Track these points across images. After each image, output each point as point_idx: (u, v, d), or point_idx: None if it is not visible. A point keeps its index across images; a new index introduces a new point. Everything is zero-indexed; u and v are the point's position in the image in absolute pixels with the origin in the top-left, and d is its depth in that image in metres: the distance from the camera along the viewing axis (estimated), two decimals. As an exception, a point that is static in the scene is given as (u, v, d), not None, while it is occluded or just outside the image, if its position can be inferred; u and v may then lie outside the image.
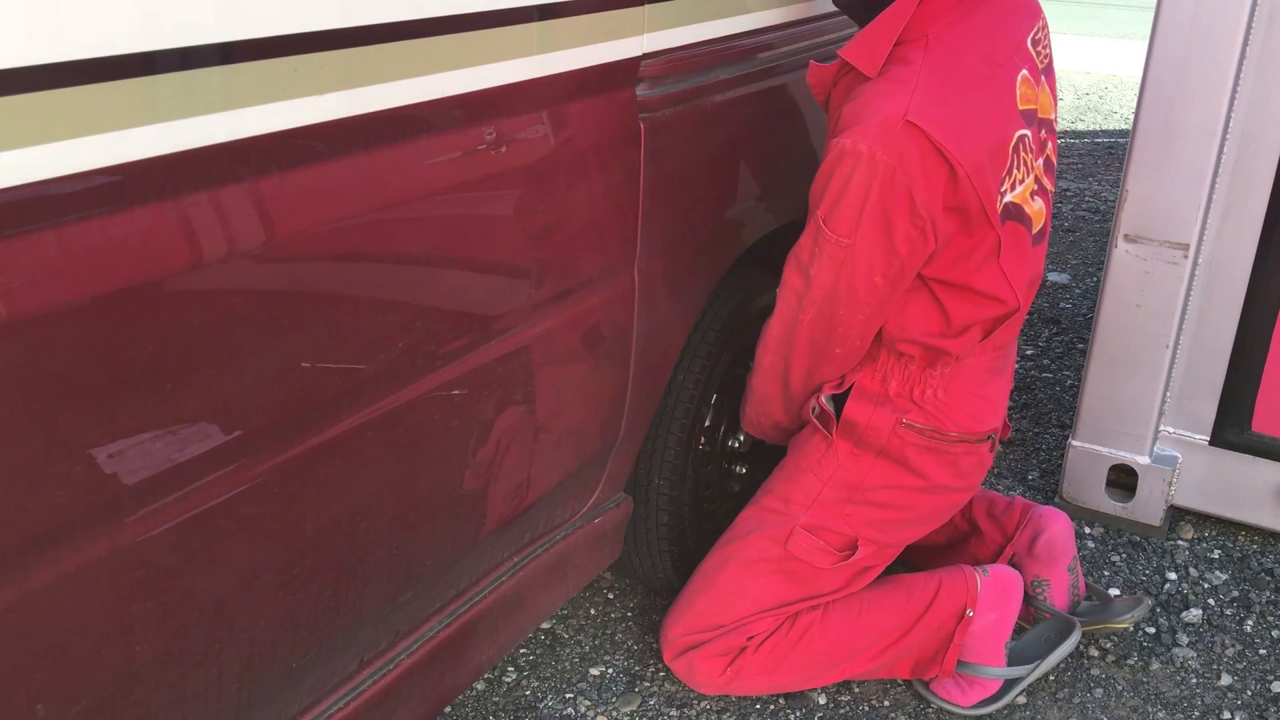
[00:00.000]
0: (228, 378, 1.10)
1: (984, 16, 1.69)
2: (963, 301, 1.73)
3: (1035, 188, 1.77)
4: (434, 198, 1.29)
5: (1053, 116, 1.82)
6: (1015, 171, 1.69)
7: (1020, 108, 1.70)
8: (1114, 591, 2.28)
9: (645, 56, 1.57)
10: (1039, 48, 1.78)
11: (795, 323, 1.74)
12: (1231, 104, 2.11)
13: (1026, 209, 1.74)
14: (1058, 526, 2.11)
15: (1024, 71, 1.71)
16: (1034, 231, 1.79)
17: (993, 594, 1.94)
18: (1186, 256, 2.22)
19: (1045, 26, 1.84)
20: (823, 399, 1.85)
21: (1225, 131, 2.14)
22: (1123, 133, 5.83)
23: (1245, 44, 2.07)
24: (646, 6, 1.54)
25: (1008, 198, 1.68)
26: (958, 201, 1.61)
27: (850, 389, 1.84)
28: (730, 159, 1.87)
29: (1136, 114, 2.19)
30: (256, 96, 1.04)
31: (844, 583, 1.90)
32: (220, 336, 1.08)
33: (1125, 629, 2.16)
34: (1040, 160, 1.78)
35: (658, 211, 1.67)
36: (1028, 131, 1.71)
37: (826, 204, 1.62)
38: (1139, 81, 2.20)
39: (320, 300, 1.18)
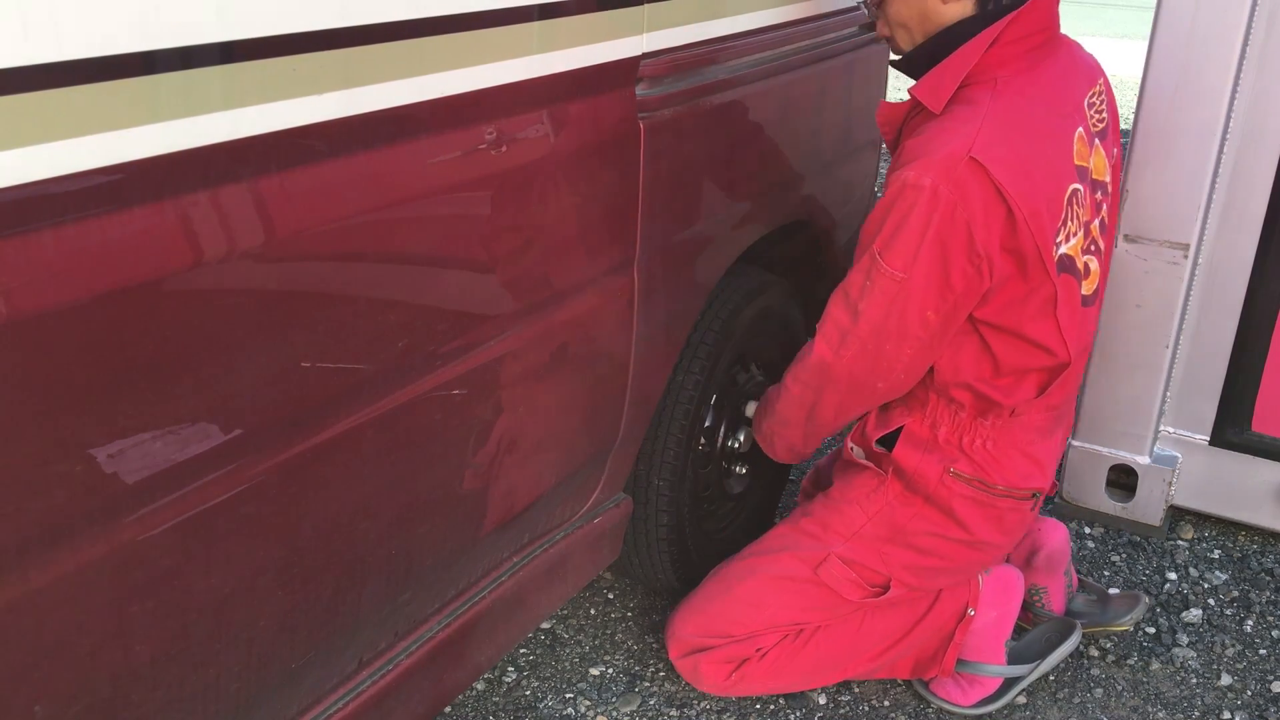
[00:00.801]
0: (226, 377, 1.10)
1: (1048, 69, 1.70)
2: (1012, 348, 1.72)
3: (1089, 246, 1.76)
4: (434, 197, 1.29)
5: (1107, 179, 1.81)
6: (1069, 224, 1.68)
7: (1075, 163, 1.70)
8: (1113, 591, 2.28)
9: (645, 56, 1.57)
10: (1094, 111, 1.77)
11: (836, 358, 1.72)
12: (1231, 104, 2.11)
13: (1078, 263, 1.73)
14: (1056, 540, 2.10)
15: (1080, 129, 1.72)
16: (1086, 292, 1.77)
17: (994, 592, 1.94)
18: (1186, 256, 2.21)
19: (1105, 91, 1.82)
20: (874, 444, 1.85)
21: (1225, 131, 2.13)
22: (1123, 133, 5.83)
23: (1245, 44, 2.07)
24: (646, 6, 1.54)
25: (1063, 249, 1.67)
26: (1015, 244, 1.61)
27: (898, 430, 1.84)
28: (730, 159, 1.87)
29: (1136, 114, 2.19)
30: (256, 96, 1.04)
31: (861, 608, 1.90)
32: (219, 336, 1.08)
33: (1125, 629, 2.16)
34: (1096, 221, 1.77)
35: (657, 211, 1.67)
36: (1080, 186, 1.70)
37: (884, 236, 1.61)
38: (1139, 81, 2.20)
39: (320, 300, 1.18)
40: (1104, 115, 1.80)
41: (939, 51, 1.67)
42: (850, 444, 1.92)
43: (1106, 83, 1.84)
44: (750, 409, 2.10)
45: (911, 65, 1.74)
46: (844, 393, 1.77)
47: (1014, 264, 1.63)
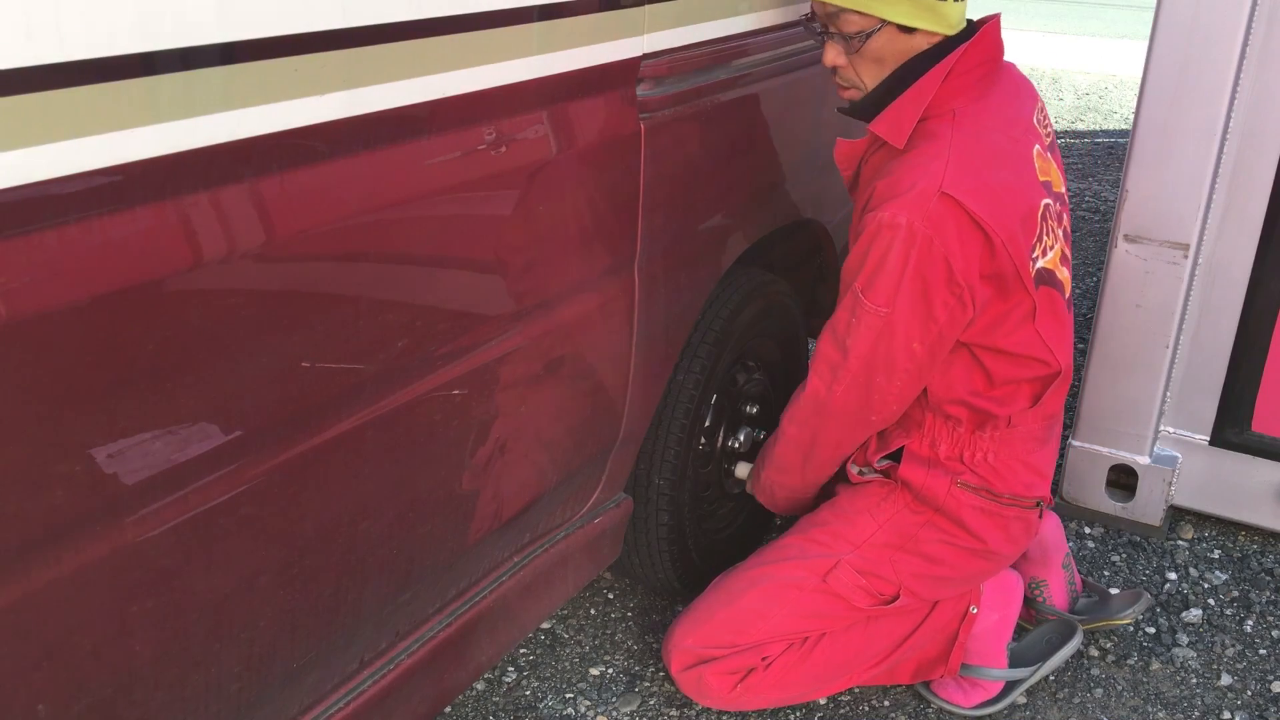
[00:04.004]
0: (227, 378, 1.10)
1: (999, 95, 1.74)
2: (1003, 362, 1.75)
3: (1062, 255, 1.81)
4: (435, 198, 1.29)
5: (1063, 190, 1.86)
6: (1045, 238, 1.73)
7: (1039, 179, 1.74)
8: (1114, 591, 2.28)
9: (645, 57, 1.57)
10: (1042, 127, 1.83)
11: (829, 394, 1.75)
12: (1231, 104, 2.11)
13: (1058, 274, 1.77)
14: (1047, 526, 2.12)
15: (1036, 146, 1.76)
16: (1066, 296, 1.82)
17: (995, 595, 1.95)
18: (1186, 256, 2.22)
19: (1044, 107, 1.88)
20: (877, 462, 1.87)
21: (1225, 131, 2.13)
22: (1123, 133, 5.83)
23: (1245, 44, 2.07)
24: (646, 7, 1.54)
25: (1040, 263, 1.71)
26: (994, 269, 1.64)
27: (899, 451, 1.85)
28: (730, 159, 1.87)
29: (1136, 114, 2.19)
30: (257, 97, 1.04)
31: (865, 614, 1.90)
32: (220, 336, 1.08)
33: (1126, 626, 2.16)
34: (1060, 229, 1.81)
35: (658, 211, 1.67)
36: (1050, 201, 1.75)
37: (865, 275, 1.64)
38: (1139, 81, 2.20)
39: (321, 300, 1.18)
40: (1049, 129, 1.86)
41: (892, 88, 1.69)
42: (852, 466, 1.92)
43: (1039, 97, 1.90)
44: (741, 469, 2.12)
45: (863, 108, 1.74)
46: (839, 427, 1.80)
47: (993, 288, 1.67)
